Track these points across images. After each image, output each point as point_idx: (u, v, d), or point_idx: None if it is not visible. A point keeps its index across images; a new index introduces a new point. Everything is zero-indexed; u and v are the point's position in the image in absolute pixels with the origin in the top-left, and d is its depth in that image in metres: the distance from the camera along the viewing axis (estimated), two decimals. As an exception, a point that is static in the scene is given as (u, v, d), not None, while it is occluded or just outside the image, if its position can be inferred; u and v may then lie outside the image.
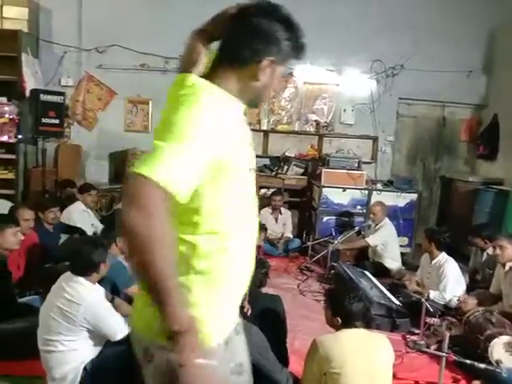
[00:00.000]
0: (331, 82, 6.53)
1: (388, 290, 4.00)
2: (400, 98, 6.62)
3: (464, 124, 6.81)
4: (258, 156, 5.85)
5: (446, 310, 3.78)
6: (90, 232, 4.58)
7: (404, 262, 5.21)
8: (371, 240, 5.04)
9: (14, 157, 5.67)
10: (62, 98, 5.60)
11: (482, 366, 2.73)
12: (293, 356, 2.86)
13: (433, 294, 3.79)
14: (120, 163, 6.40)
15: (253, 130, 5.57)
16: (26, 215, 3.68)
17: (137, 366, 1.27)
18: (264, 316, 2.84)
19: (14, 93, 5.58)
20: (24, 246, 3.47)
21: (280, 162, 6.45)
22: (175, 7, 6.09)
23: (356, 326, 2.28)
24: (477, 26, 6.26)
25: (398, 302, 3.75)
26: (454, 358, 2.70)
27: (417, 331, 3.48)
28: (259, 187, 5.90)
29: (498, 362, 2.79)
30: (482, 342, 2.96)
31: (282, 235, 5.79)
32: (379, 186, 5.99)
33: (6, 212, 3.78)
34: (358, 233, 5.41)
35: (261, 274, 3.73)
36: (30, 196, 5.77)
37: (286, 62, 1.29)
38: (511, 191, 5.18)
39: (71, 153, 6.27)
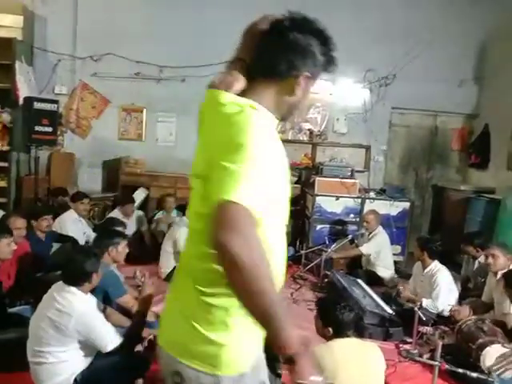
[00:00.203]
0: (324, 91, 6.57)
1: (381, 298, 4.01)
2: (393, 108, 6.68)
3: (456, 133, 6.88)
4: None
5: (439, 319, 3.79)
6: (82, 241, 4.54)
7: (397, 271, 5.23)
8: (365, 249, 5.05)
9: (6, 165, 5.67)
10: (56, 105, 5.61)
11: (475, 374, 2.74)
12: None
13: (425, 303, 3.79)
14: (113, 171, 6.40)
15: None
16: (18, 224, 3.65)
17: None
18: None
19: (8, 100, 5.58)
20: (15, 254, 3.43)
21: (274, 170, 6.47)
22: (170, 16, 6.12)
23: (348, 336, 2.29)
24: (468, 36, 6.36)
25: (390, 311, 3.76)
26: (447, 366, 2.71)
27: (410, 340, 3.48)
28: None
29: (489, 371, 2.80)
30: (474, 350, 2.98)
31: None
32: (372, 194, 6.01)
33: (-3, 220, 3.76)
34: (352, 241, 5.41)
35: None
36: (22, 204, 5.74)
37: (318, 76, 1.28)
38: (502, 200, 5.22)
39: (64, 161, 6.26)
